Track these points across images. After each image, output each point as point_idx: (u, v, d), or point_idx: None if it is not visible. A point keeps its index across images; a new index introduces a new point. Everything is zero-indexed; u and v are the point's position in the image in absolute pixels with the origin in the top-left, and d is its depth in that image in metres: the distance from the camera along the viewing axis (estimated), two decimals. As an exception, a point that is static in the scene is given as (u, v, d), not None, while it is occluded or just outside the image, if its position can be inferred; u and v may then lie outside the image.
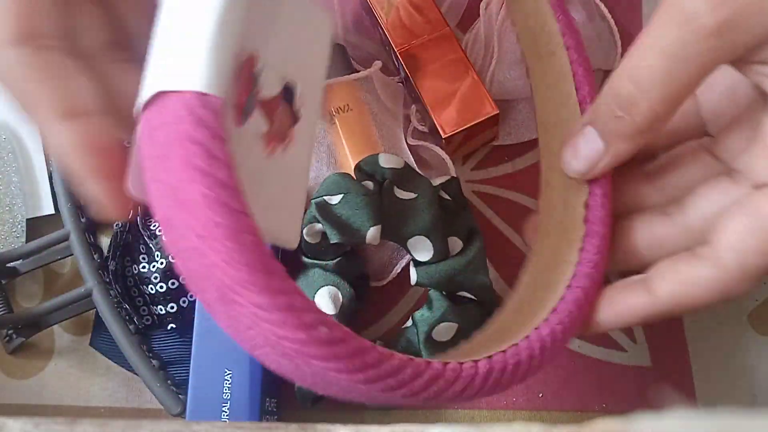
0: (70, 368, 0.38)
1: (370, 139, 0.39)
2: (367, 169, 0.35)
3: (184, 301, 0.37)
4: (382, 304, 0.39)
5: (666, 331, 0.37)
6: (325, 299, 0.34)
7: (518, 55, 0.39)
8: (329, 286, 0.35)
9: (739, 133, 0.28)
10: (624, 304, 0.26)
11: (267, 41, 0.23)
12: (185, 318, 0.37)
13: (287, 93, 0.25)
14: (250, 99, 0.23)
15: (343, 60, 0.40)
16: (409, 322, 0.37)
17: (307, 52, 0.26)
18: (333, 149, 0.40)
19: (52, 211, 0.40)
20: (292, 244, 0.25)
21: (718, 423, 0.15)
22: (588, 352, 0.37)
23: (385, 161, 0.35)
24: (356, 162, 0.36)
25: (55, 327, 0.39)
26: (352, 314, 0.36)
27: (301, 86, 0.25)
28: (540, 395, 0.37)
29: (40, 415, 0.19)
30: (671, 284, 0.25)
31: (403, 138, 0.40)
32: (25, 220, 0.40)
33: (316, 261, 0.35)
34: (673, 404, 0.36)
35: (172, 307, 0.37)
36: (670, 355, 0.37)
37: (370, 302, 0.39)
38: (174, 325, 0.37)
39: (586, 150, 0.27)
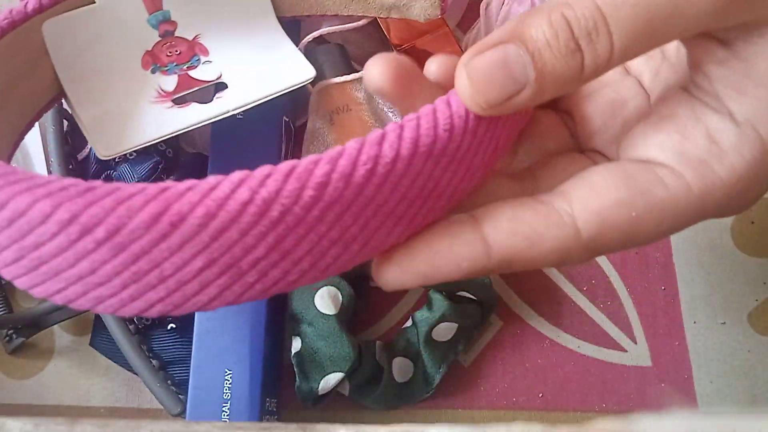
0: (70, 368, 0.38)
1: (370, 139, 0.39)
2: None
3: (184, 301, 0.37)
4: (382, 304, 0.39)
5: (666, 331, 0.38)
6: (325, 299, 0.34)
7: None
8: (329, 286, 0.35)
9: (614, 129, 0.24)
10: (449, 255, 0.19)
11: (224, 51, 0.34)
12: (185, 318, 0.36)
13: (218, 85, 0.34)
14: (174, 66, 0.34)
15: (343, 60, 0.40)
16: (409, 322, 0.37)
17: (262, 77, 0.34)
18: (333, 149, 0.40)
19: (52, 211, 0.40)
20: (121, 149, 0.32)
21: (718, 423, 0.15)
22: (588, 353, 0.37)
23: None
24: (356, 162, 0.36)
25: (55, 327, 0.39)
26: (352, 314, 0.36)
27: (233, 89, 0.34)
28: (540, 395, 0.37)
29: (40, 415, 0.19)
30: (509, 236, 0.19)
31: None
32: (25, 220, 0.40)
33: (316, 261, 0.35)
34: (673, 404, 0.36)
35: (172, 307, 0.37)
36: (670, 355, 0.37)
37: (370, 302, 0.39)
38: (174, 325, 0.37)
39: (504, 74, 0.18)
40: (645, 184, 0.20)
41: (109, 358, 0.38)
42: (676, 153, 0.20)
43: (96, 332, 0.38)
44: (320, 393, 0.34)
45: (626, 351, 0.37)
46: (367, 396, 0.35)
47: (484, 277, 0.35)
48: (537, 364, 0.37)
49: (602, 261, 0.39)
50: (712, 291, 0.38)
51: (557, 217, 0.20)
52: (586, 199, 0.20)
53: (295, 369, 0.34)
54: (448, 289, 0.35)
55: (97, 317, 0.38)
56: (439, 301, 0.35)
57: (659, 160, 0.20)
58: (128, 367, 0.37)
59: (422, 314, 0.36)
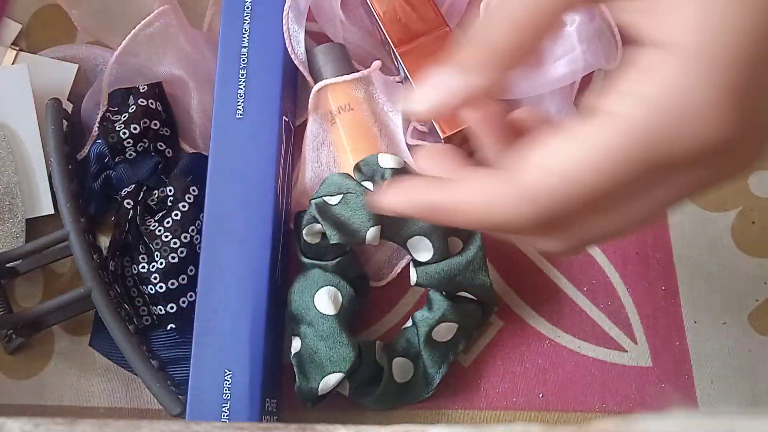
0: (69, 368, 0.38)
1: (370, 139, 0.39)
2: (366, 169, 0.35)
3: (183, 302, 0.37)
4: (382, 304, 0.39)
5: (666, 332, 0.37)
6: (325, 299, 0.34)
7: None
8: (329, 287, 0.35)
9: None
10: (417, 190, 0.24)
11: None
12: (185, 318, 0.36)
13: None
14: None
15: (343, 60, 0.40)
16: (409, 322, 0.37)
17: None
18: (333, 149, 0.40)
19: (52, 211, 0.40)
20: None
21: (718, 423, 0.15)
22: (588, 353, 0.37)
23: (385, 161, 0.35)
24: (356, 162, 0.36)
25: (55, 327, 0.39)
26: (352, 314, 0.36)
27: None
28: (540, 395, 0.37)
29: (40, 416, 0.18)
30: (468, 191, 0.22)
31: (403, 138, 0.40)
32: (24, 220, 0.40)
33: (315, 261, 0.35)
34: (674, 404, 0.36)
35: (171, 308, 0.37)
36: (670, 355, 0.37)
37: (370, 302, 0.39)
38: (174, 326, 0.37)
39: (438, 80, 0.23)
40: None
41: (109, 359, 0.38)
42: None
43: (95, 333, 0.38)
44: (320, 393, 0.34)
45: (626, 351, 0.37)
46: (367, 396, 0.35)
47: (484, 277, 0.35)
48: (537, 364, 0.37)
49: (603, 261, 0.39)
50: (712, 291, 0.38)
51: (503, 173, 0.21)
52: (534, 153, 0.21)
53: (295, 369, 0.34)
54: (449, 289, 0.35)
55: (97, 318, 0.38)
56: (439, 302, 0.35)
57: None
58: (128, 368, 0.36)
59: (422, 314, 0.36)
